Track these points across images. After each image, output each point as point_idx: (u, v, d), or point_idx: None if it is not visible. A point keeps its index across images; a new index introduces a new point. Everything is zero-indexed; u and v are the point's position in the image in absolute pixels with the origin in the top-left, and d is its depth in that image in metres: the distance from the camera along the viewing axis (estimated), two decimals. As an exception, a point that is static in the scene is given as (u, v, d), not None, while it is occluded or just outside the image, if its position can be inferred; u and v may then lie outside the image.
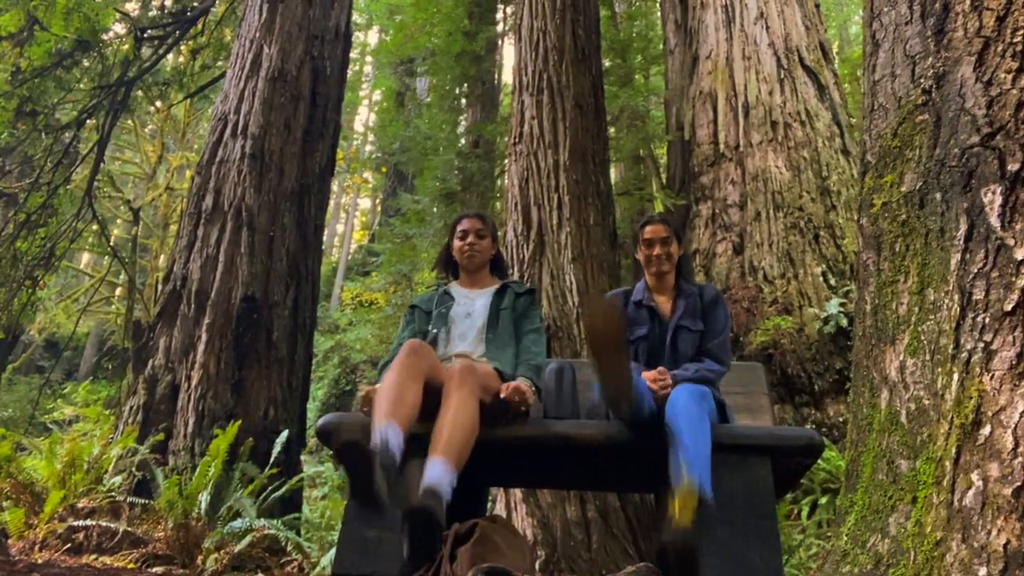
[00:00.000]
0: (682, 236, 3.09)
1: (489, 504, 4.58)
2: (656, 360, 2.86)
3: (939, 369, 2.12)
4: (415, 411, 2.31)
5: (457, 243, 3.02)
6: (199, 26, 10.24)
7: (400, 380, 2.34)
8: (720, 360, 2.84)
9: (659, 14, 11.58)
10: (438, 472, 2.11)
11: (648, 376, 2.63)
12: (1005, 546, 1.77)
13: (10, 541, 4.13)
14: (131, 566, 4.09)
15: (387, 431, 2.12)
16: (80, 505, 4.56)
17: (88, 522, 4.32)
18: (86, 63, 8.85)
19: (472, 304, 2.92)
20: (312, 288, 6.74)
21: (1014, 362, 1.91)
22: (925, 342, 2.22)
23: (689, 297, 2.96)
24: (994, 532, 1.80)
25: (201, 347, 5.60)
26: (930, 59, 2.48)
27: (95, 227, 9.76)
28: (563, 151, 5.53)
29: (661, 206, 9.01)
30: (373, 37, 27.63)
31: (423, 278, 13.05)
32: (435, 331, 2.84)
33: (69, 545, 4.27)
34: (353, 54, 14.21)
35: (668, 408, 2.38)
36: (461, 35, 12.17)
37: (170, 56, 11.08)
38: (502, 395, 2.50)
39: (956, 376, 2.04)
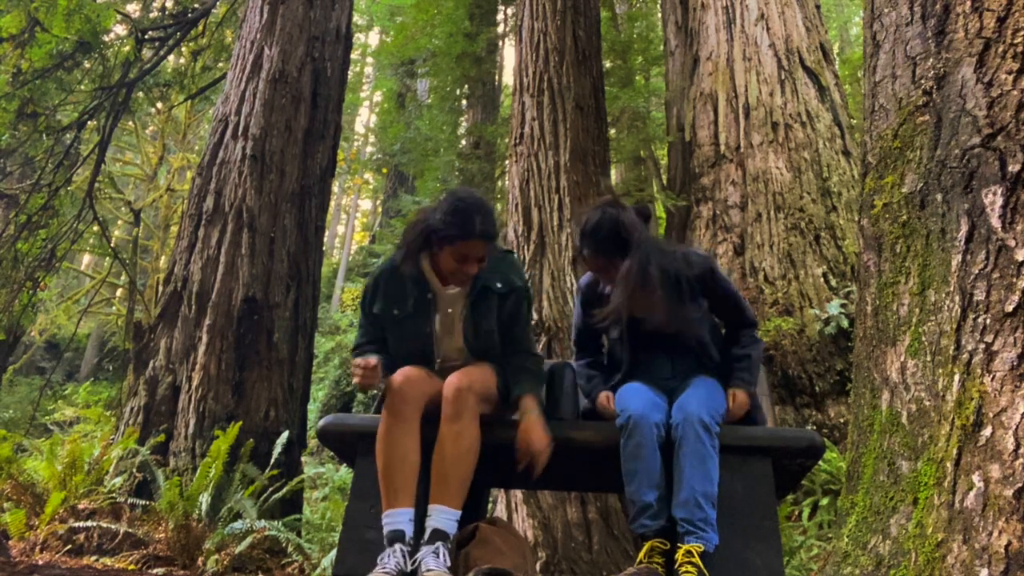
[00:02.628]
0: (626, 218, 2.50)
1: (490, 505, 4.58)
2: (644, 355, 2.56)
3: (940, 370, 2.12)
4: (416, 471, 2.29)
5: (452, 263, 2.50)
6: (200, 27, 10.24)
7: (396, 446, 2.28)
8: (756, 338, 2.58)
9: (660, 15, 11.58)
10: (440, 521, 2.17)
11: (736, 408, 2.45)
12: (1006, 547, 1.77)
13: (11, 542, 4.13)
14: (132, 567, 4.10)
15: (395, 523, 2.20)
16: (81, 506, 4.56)
17: (89, 523, 4.32)
18: (87, 64, 8.84)
19: (447, 302, 2.60)
20: (313, 289, 6.74)
21: (1015, 363, 1.91)
22: (926, 343, 2.21)
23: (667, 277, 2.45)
24: (995, 533, 1.80)
25: (202, 348, 5.60)
26: (931, 60, 2.47)
27: (96, 228, 9.75)
28: (564, 152, 5.53)
29: (662, 207, 9.01)
30: (374, 38, 27.66)
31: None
32: (421, 324, 2.58)
33: (70, 546, 4.27)
34: (354, 55, 14.21)
35: (677, 430, 2.25)
36: (462, 36, 12.18)
37: (171, 57, 11.07)
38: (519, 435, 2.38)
39: (957, 377, 2.04)
